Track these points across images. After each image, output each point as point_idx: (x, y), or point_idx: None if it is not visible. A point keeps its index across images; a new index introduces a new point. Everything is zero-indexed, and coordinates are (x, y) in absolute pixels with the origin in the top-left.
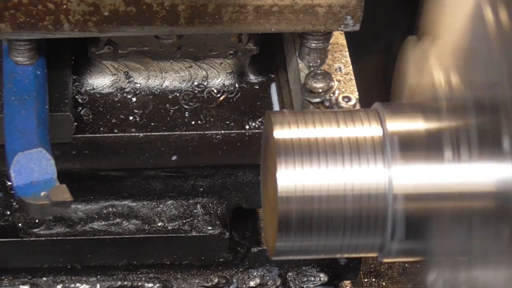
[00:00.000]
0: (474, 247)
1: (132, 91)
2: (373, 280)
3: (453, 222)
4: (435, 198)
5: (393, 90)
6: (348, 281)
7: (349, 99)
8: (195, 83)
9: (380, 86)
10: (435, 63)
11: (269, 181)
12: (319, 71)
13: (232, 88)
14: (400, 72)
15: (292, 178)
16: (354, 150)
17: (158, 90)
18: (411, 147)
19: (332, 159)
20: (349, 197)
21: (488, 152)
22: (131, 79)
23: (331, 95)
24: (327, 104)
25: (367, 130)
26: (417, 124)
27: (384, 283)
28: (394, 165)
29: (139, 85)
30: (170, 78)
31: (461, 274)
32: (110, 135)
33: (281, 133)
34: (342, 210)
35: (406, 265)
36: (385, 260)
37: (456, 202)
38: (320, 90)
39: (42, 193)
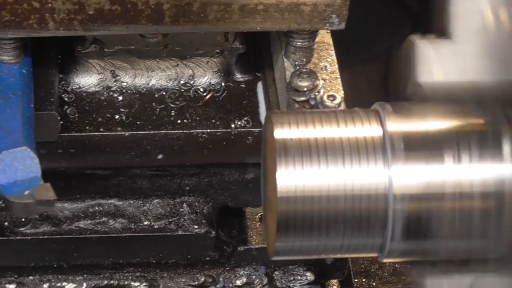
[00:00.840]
0: (474, 247)
1: (118, 89)
2: (364, 280)
3: (453, 222)
4: (435, 198)
5: (392, 90)
6: (336, 280)
7: (334, 97)
8: (182, 82)
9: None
10: (436, 63)
11: (269, 181)
12: (304, 70)
13: (218, 87)
14: (401, 71)
15: (292, 178)
16: (354, 150)
17: (145, 89)
18: (411, 147)
19: (332, 159)
20: (349, 197)
21: (488, 152)
22: (118, 77)
23: (316, 93)
24: (312, 102)
25: (367, 130)
26: (417, 124)
27: (374, 284)
28: (394, 165)
29: (125, 83)
30: (157, 77)
31: (461, 274)
32: (96, 133)
33: (281, 133)
34: (342, 210)
35: (397, 265)
36: (385, 260)
37: (456, 202)
38: (305, 89)
39: (26, 192)
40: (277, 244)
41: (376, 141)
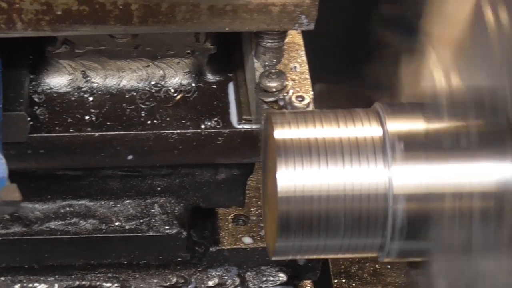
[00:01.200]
0: (474, 247)
1: (89, 90)
2: (343, 281)
3: (453, 222)
4: (435, 198)
5: (394, 91)
6: (309, 281)
7: (303, 98)
8: (152, 83)
9: None
10: (435, 63)
11: (269, 181)
12: (273, 70)
13: (189, 88)
14: (401, 74)
15: (292, 178)
16: (354, 150)
17: (115, 90)
18: (411, 147)
19: (332, 159)
20: (349, 197)
21: (488, 152)
22: (88, 78)
23: (285, 94)
24: (281, 103)
25: (367, 130)
26: (417, 124)
27: (354, 284)
28: (394, 165)
29: (96, 84)
30: (128, 78)
31: (461, 274)
32: (66, 134)
33: (281, 133)
34: (342, 210)
35: (377, 266)
36: (385, 260)
37: (456, 202)
38: (274, 89)
39: None
40: (277, 244)
41: (376, 141)
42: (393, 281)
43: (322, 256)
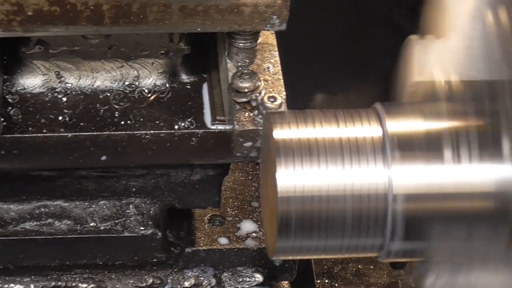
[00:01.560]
0: (473, 247)
1: (63, 91)
2: (326, 281)
3: (452, 222)
4: (435, 198)
5: (395, 91)
6: (286, 282)
7: (275, 99)
8: (126, 83)
9: None
10: (435, 63)
11: (269, 181)
12: (246, 71)
13: (163, 88)
14: (401, 72)
15: (292, 178)
16: (354, 150)
17: (89, 90)
18: (411, 147)
19: (332, 159)
20: (349, 197)
21: (488, 153)
22: (62, 79)
23: (257, 94)
24: (254, 104)
25: (367, 130)
26: (417, 124)
27: (337, 284)
28: (394, 165)
29: (70, 85)
30: (102, 78)
31: (460, 275)
32: (39, 135)
33: (281, 133)
34: (342, 210)
35: (360, 266)
36: (385, 260)
37: (455, 203)
38: (246, 90)
39: None
40: (277, 244)
41: (376, 141)
42: (375, 281)
43: (322, 256)
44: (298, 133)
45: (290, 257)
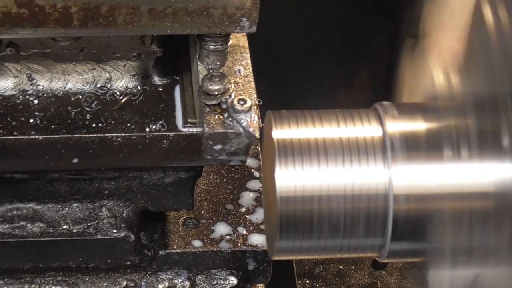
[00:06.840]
0: (475, 247)
1: (34, 93)
2: (307, 282)
3: (453, 222)
4: (435, 198)
5: (395, 91)
6: (262, 285)
7: (245, 101)
8: (98, 86)
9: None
10: (435, 63)
11: (269, 181)
12: (215, 73)
13: (135, 90)
14: (401, 72)
15: (291, 178)
16: (354, 150)
17: (61, 93)
18: (411, 147)
19: (332, 159)
20: (349, 197)
21: (488, 152)
22: (34, 81)
23: (228, 97)
24: (224, 106)
25: (367, 130)
26: (417, 124)
27: (318, 285)
28: (394, 165)
29: (41, 87)
30: (73, 80)
31: (461, 275)
32: (9, 137)
33: (281, 133)
34: (342, 210)
35: (341, 267)
36: (385, 261)
37: (456, 202)
38: (216, 92)
39: None
40: (278, 244)
41: (376, 141)
42: (356, 282)
43: (323, 256)
44: (298, 133)
45: (291, 257)
